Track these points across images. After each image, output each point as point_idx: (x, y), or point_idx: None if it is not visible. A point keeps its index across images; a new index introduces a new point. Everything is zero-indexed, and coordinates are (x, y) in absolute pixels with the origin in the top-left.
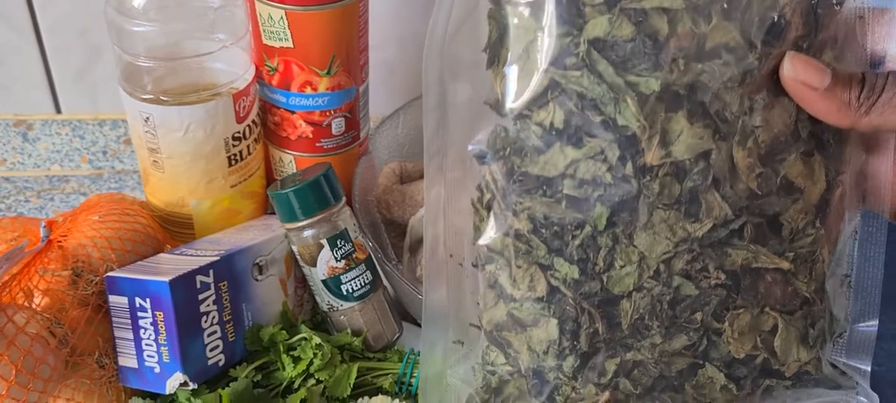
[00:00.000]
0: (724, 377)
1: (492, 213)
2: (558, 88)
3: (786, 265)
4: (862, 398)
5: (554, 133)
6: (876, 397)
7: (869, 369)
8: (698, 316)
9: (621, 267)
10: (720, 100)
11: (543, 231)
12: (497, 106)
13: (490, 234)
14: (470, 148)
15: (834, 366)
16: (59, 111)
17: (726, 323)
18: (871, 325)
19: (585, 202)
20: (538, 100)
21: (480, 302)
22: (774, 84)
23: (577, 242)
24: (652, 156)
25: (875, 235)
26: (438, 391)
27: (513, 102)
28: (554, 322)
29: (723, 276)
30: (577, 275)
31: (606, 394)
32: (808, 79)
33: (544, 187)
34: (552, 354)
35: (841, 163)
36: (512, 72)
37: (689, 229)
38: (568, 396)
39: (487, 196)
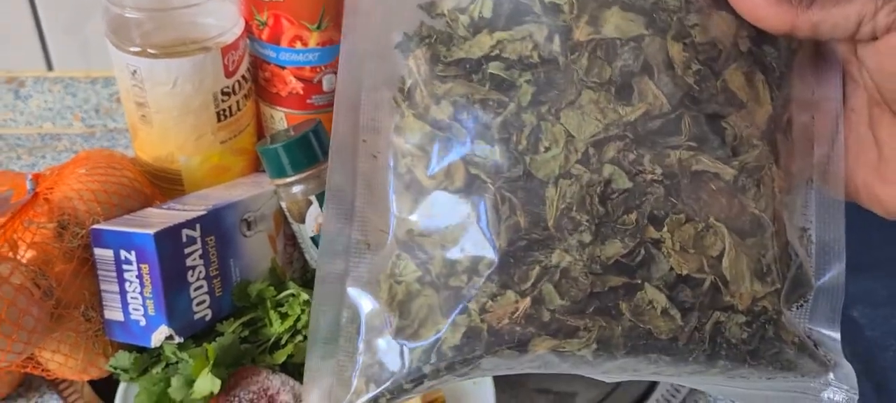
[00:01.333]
0: (666, 299)
1: (411, 103)
2: None
3: (729, 171)
4: (837, 383)
5: (480, 18)
6: (853, 376)
7: (837, 337)
8: (633, 216)
9: (547, 148)
10: None
11: (464, 114)
12: (429, 7)
13: (409, 124)
14: (393, 36)
15: (807, 344)
16: (50, 68)
17: (666, 230)
18: (834, 283)
19: (511, 84)
20: None
21: (394, 205)
22: None
23: (498, 120)
24: (580, 33)
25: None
26: (334, 302)
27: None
28: (472, 215)
29: (659, 171)
30: (498, 157)
31: (527, 301)
32: None
33: (468, 70)
34: (467, 256)
35: (787, 92)
36: None
37: (620, 112)
38: (483, 305)
39: (409, 82)
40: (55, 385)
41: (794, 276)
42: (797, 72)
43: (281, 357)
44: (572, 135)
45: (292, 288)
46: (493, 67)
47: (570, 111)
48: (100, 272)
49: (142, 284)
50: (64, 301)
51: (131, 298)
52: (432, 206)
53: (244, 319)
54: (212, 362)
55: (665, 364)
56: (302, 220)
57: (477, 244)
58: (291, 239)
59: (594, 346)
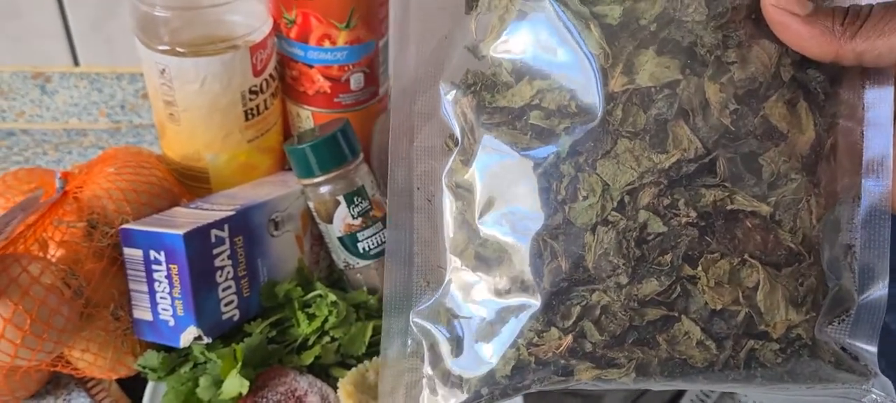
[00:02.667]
0: (701, 331)
1: (461, 149)
2: (525, 18)
3: (765, 209)
4: (876, 391)
5: (522, 65)
6: (891, 386)
7: (875, 351)
8: (668, 257)
9: (584, 197)
10: (693, 35)
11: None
12: (474, 50)
13: (458, 169)
14: (441, 85)
15: (844, 351)
16: (76, 63)
17: (701, 268)
18: (878, 299)
19: (551, 133)
20: (510, 39)
21: (448, 244)
22: (753, 23)
23: (539, 170)
24: (615, 83)
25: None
26: (401, 336)
27: (487, 45)
28: (518, 258)
29: (694, 214)
30: (538, 208)
31: (569, 338)
32: (789, 5)
33: (512, 119)
34: (515, 292)
35: (832, 116)
36: (487, 16)
37: (654, 159)
38: (530, 340)
39: (457, 129)
40: (83, 382)
41: (834, 296)
42: (847, 86)
43: (308, 358)
44: (608, 184)
45: (320, 289)
46: (534, 117)
47: (606, 161)
48: (129, 271)
49: (171, 284)
50: (93, 300)
51: (160, 298)
52: (482, 247)
53: (272, 319)
54: (240, 363)
55: (704, 382)
56: (329, 221)
57: (523, 285)
58: (318, 239)
59: (633, 375)
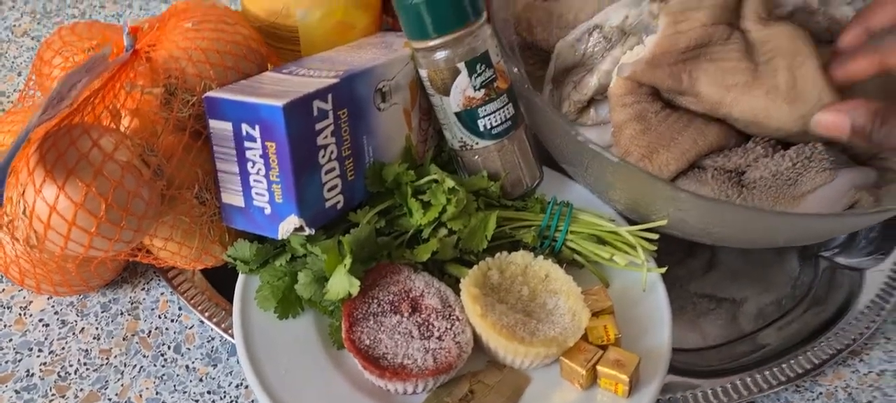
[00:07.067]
0: None
1: None
2: None
3: None
4: None
5: None
6: None
7: None
8: None
9: None
10: None
11: None
12: None
13: None
14: None
15: None
16: None
17: None
18: None
19: None
20: None
21: None
22: None
23: None
24: None
25: None
26: None
27: None
28: None
29: None
30: None
31: None
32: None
33: None
34: None
35: None
36: None
37: None
38: None
39: None
40: (164, 271)
41: None
42: None
43: (424, 253)
44: None
45: (435, 173)
46: None
47: None
48: (216, 149)
49: (267, 165)
50: (175, 180)
51: (255, 181)
52: None
53: (380, 207)
54: (348, 258)
55: None
56: (446, 92)
57: None
58: (427, 114)
59: None
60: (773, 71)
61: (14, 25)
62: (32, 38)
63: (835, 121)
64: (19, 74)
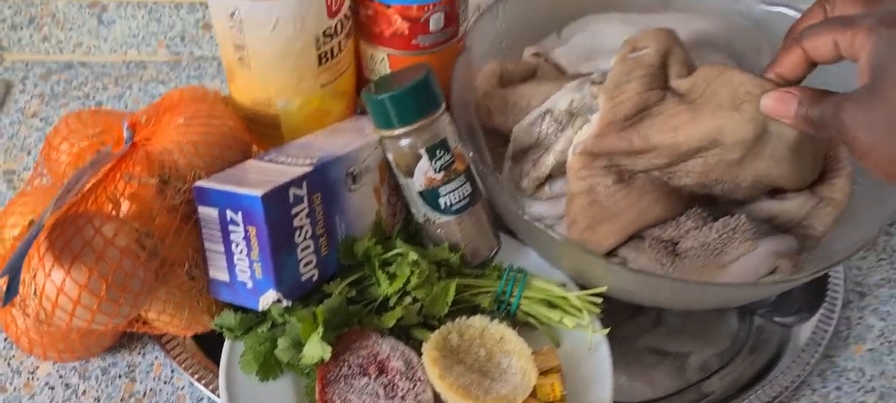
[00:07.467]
0: None
1: None
2: None
3: None
4: None
5: None
6: None
7: None
8: None
9: None
10: None
11: None
12: None
13: None
14: None
15: None
16: None
17: None
18: None
19: None
20: None
21: None
22: None
23: None
24: None
25: None
26: None
27: None
28: None
29: None
30: None
31: None
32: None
33: None
34: None
35: None
36: None
37: None
38: None
39: None
40: (158, 338)
41: None
42: None
43: (390, 320)
44: None
45: (400, 247)
46: None
47: None
48: (204, 230)
49: (249, 246)
50: (168, 259)
51: (238, 259)
52: None
53: (351, 279)
54: (321, 326)
55: None
56: (410, 174)
57: None
58: (395, 190)
59: None
60: (711, 95)
61: (24, 107)
62: (41, 120)
63: (777, 100)
64: (29, 154)
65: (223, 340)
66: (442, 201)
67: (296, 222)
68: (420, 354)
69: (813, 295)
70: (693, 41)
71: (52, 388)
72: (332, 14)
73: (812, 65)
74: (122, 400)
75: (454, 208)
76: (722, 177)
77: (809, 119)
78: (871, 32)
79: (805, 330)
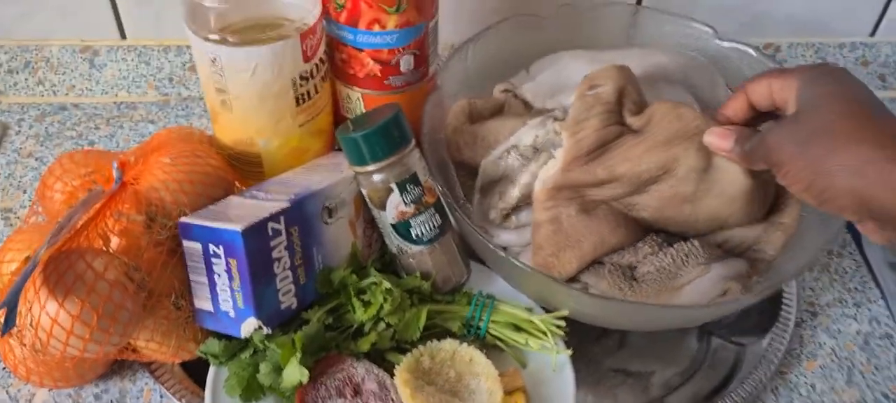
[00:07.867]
0: None
1: None
2: None
3: None
4: None
5: None
6: None
7: None
8: None
9: None
10: None
11: None
12: None
13: None
14: None
15: None
16: (123, 37)
17: None
18: None
19: None
20: None
21: None
22: None
23: None
24: None
25: None
26: None
27: None
28: None
29: None
30: None
31: None
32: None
33: None
34: None
35: None
36: None
37: None
38: None
39: None
40: (147, 365)
41: None
42: None
43: (365, 345)
44: None
45: (374, 276)
46: None
47: None
48: (189, 263)
49: (230, 277)
50: (155, 291)
51: (220, 290)
52: None
53: (328, 306)
54: (299, 352)
55: None
56: (382, 207)
57: None
58: (371, 223)
59: None
60: (665, 128)
61: (20, 148)
62: (36, 159)
63: (718, 135)
64: (24, 192)
65: (208, 366)
66: (413, 232)
67: (275, 254)
68: (393, 376)
69: (768, 315)
70: (651, 74)
71: None
72: (307, 58)
73: (753, 109)
74: None
75: (425, 238)
76: (676, 215)
77: (743, 152)
78: (799, 75)
79: (760, 348)
